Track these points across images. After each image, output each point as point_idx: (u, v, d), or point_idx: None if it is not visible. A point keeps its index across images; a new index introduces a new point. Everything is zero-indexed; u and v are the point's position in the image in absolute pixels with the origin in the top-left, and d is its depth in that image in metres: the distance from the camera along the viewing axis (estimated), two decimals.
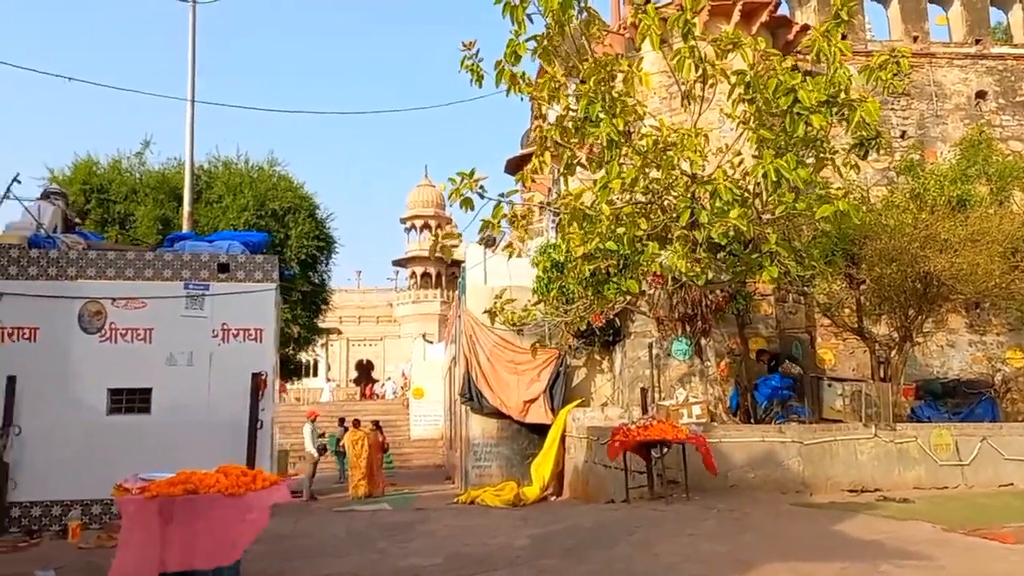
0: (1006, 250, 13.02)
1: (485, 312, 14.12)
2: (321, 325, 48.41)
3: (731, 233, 9.12)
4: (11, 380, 8.02)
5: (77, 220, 9.54)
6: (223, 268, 8.47)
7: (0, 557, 6.92)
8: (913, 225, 13.21)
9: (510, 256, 11.67)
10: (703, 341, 12.53)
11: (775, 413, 13.15)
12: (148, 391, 8.12)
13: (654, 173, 10.35)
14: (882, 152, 12.22)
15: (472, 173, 9.93)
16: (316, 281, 20.40)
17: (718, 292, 12.34)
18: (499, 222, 9.81)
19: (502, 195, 10.56)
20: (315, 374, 48.76)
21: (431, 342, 37.50)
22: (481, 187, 9.98)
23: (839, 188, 9.56)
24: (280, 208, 18.77)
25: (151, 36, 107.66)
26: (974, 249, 12.79)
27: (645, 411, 11.25)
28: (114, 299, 8.11)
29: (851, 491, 10.95)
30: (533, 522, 7.95)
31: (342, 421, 19.93)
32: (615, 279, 11.30)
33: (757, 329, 15.89)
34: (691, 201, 9.77)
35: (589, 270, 10.57)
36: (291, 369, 21.51)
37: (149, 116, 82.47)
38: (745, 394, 13.83)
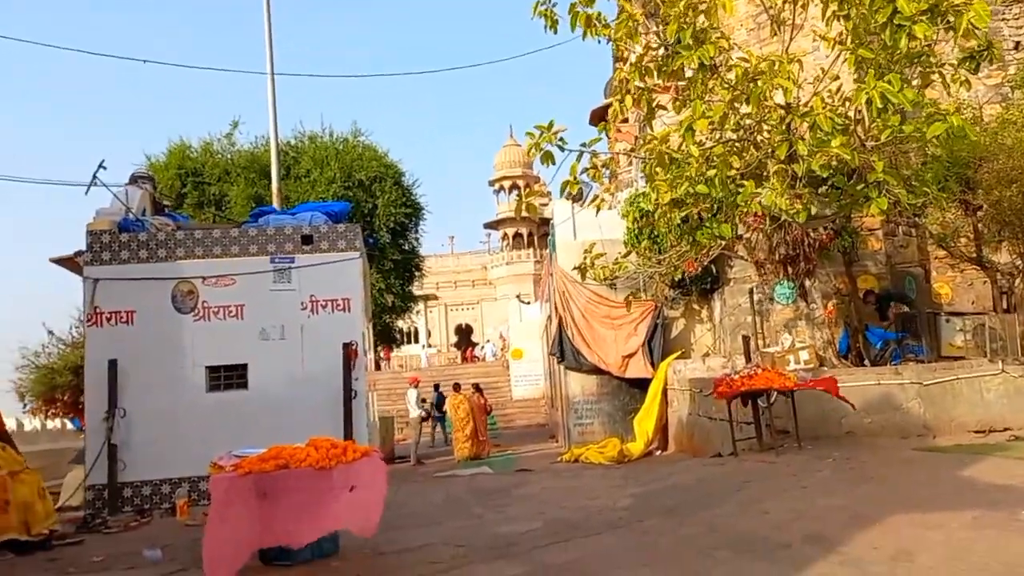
0: None
1: (575, 268, 13.77)
2: (417, 292, 49.30)
3: (834, 164, 8.47)
4: (112, 364, 8.22)
5: (166, 203, 9.68)
6: (307, 240, 8.42)
7: (113, 537, 7.14)
8: None
9: (598, 210, 11.24)
10: (807, 282, 11.87)
11: (891, 353, 12.40)
12: (244, 367, 8.21)
13: (745, 108, 9.74)
14: (995, 65, 11.14)
15: (551, 125, 9.54)
16: (407, 248, 20.46)
17: (821, 229, 11.63)
18: (576, 176, 9.41)
19: (584, 145, 10.14)
20: (416, 340, 49.56)
21: (527, 302, 37.48)
22: (561, 139, 9.58)
23: (950, 105, 8.72)
24: (367, 178, 18.83)
25: (229, 17, 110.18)
26: None
27: (748, 360, 10.75)
28: (204, 278, 8.18)
29: (978, 432, 10.21)
30: (634, 481, 7.67)
31: (437, 387, 20.04)
32: (708, 224, 10.77)
33: (866, 266, 15.01)
34: (787, 134, 9.13)
35: (680, 217, 10.07)
36: (391, 337, 21.72)
37: (237, 98, 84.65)
38: (856, 335, 13.09)
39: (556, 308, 18.53)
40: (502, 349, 39.97)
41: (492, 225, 57.30)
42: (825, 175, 9.33)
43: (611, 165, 10.05)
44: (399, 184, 19.40)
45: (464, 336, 57.48)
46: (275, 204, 14.86)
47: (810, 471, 7.83)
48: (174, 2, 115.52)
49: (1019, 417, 10.39)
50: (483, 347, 48.54)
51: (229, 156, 19.51)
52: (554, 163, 9.64)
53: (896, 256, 15.72)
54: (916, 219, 16.10)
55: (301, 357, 8.15)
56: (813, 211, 9.19)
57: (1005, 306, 13.00)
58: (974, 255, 13.61)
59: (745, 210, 9.11)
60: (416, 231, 20.59)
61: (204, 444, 7.81)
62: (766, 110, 9.65)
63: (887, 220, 15.39)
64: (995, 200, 12.37)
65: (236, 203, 18.01)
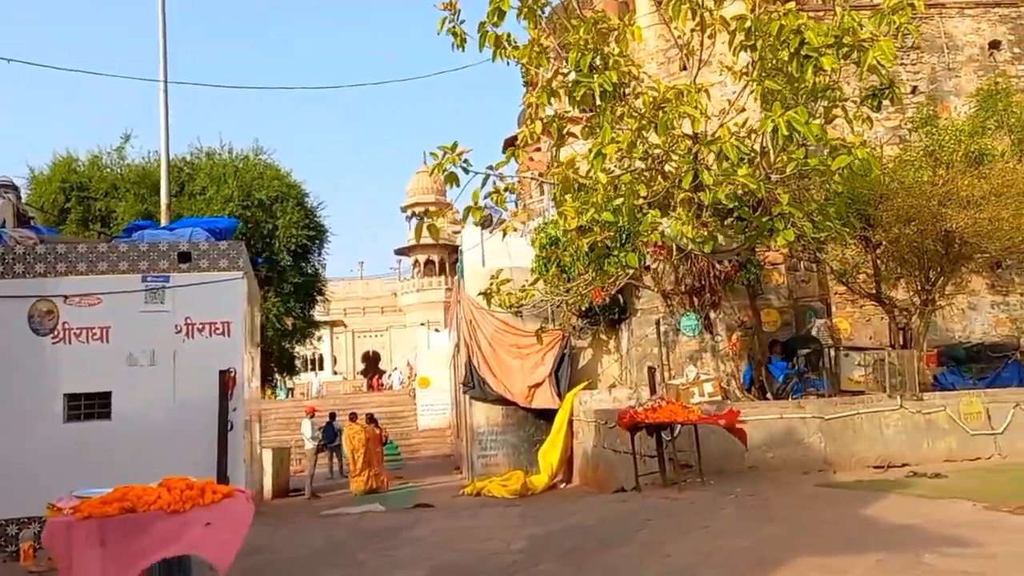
0: None
1: (480, 294, 13.37)
2: (322, 317, 47.87)
3: (740, 193, 8.34)
4: None
5: (31, 215, 8.81)
6: (184, 257, 7.70)
7: None
8: (931, 182, 12.40)
9: (504, 234, 10.89)
10: (712, 314, 11.77)
11: (792, 386, 12.39)
12: (108, 395, 7.38)
13: (653, 137, 9.59)
14: (893, 107, 11.39)
15: (455, 146, 9.17)
16: (309, 272, 19.68)
17: (726, 261, 11.57)
18: (478, 201, 9.04)
19: (490, 167, 9.80)
20: (320, 367, 48.16)
21: (437, 330, 36.87)
22: (466, 161, 9.22)
23: (855, 138, 8.74)
24: (267, 198, 18.05)
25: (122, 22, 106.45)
26: (998, 204, 11.98)
27: (653, 391, 10.52)
28: (66, 296, 7.38)
29: (877, 467, 10.21)
30: (534, 519, 7.25)
31: (332, 417, 19.20)
32: (615, 253, 10.55)
33: (769, 300, 15.13)
34: (694, 163, 8.99)
35: (587, 244, 9.80)
36: (290, 364, 20.79)
37: (131, 111, 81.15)
38: (759, 368, 13.07)
39: (464, 337, 18.08)
40: (409, 377, 39.14)
41: (403, 251, 56.50)
42: (731, 205, 9.22)
43: (517, 190, 9.71)
44: (302, 205, 18.65)
45: (371, 363, 56.30)
46: (163, 222, 13.98)
47: (714, 509, 7.56)
48: (68, 5, 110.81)
49: (916, 452, 10.46)
50: (391, 375, 47.54)
51: (119, 171, 18.42)
52: (458, 185, 9.27)
53: (798, 290, 15.92)
54: (817, 255, 16.37)
55: (173, 385, 7.41)
56: (720, 240, 9.06)
57: (902, 342, 13.21)
58: (873, 291, 13.82)
59: (647, 240, 8.89)
60: (320, 254, 19.87)
61: (59, 481, 6.99)
62: (674, 139, 9.52)
63: (789, 255, 15.57)
64: (894, 237, 12.57)
65: (124, 220, 16.91)
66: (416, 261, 55.20)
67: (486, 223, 15.69)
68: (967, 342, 16.77)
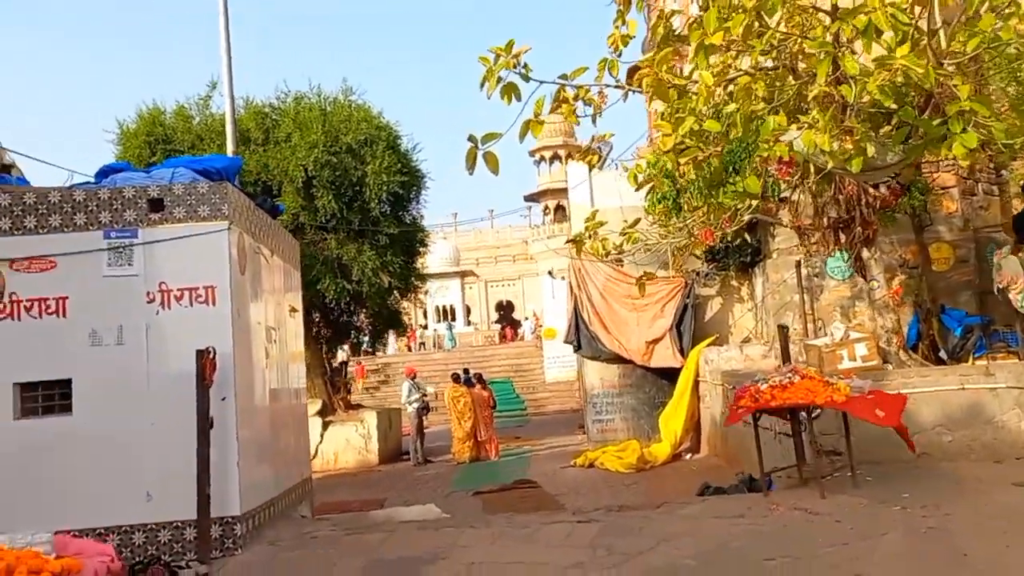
0: None
1: (568, 241, 11.28)
2: (452, 268, 47.01)
3: (900, 85, 5.84)
4: None
5: (10, 162, 7.46)
6: (155, 205, 6.01)
7: None
8: None
9: (591, 167, 8.72)
10: (866, 253, 9.17)
11: (974, 343, 9.67)
12: (67, 383, 5.91)
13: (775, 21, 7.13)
14: None
15: (510, 46, 7.04)
16: (407, 221, 18.12)
17: (881, 184, 8.90)
18: (538, 116, 6.89)
19: (563, 76, 7.62)
20: (454, 318, 47.46)
21: (563, 278, 34.99)
22: (525, 65, 7.08)
23: None
24: (355, 142, 16.50)
25: None
26: None
27: (786, 357, 8.17)
28: (12, 260, 5.90)
29: None
30: (612, 548, 5.28)
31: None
32: (731, 179, 8.19)
33: (938, 232, 12.22)
34: (833, 45, 6.50)
35: (691, 167, 7.50)
36: (391, 321, 19.48)
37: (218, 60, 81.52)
38: (928, 320, 10.35)
39: (572, 288, 16.10)
40: (536, 328, 37.61)
41: (533, 197, 54.62)
42: (887, 104, 6.66)
43: (597, 103, 7.52)
44: (394, 148, 16.98)
45: (505, 313, 55.24)
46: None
47: (871, 534, 5.30)
48: None
49: None
50: (524, 326, 46.29)
51: (205, 121, 17.37)
52: (519, 98, 7.14)
53: (976, 219, 12.86)
54: (1001, 172, 13.23)
55: (146, 369, 5.87)
56: (871, 153, 6.54)
57: None
58: None
59: (769, 154, 6.51)
60: (418, 201, 18.22)
61: (8, 495, 5.65)
62: (803, 13, 7.05)
63: (967, 175, 12.57)
64: None
65: None
66: (546, 207, 53.22)
67: (589, 157, 13.56)
68: None
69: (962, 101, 6.36)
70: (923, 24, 6.64)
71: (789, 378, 6.59)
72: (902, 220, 10.71)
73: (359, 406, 18.96)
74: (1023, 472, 7.02)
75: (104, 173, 6.49)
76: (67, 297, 5.88)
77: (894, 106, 6.88)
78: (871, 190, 8.74)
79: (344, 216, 16.21)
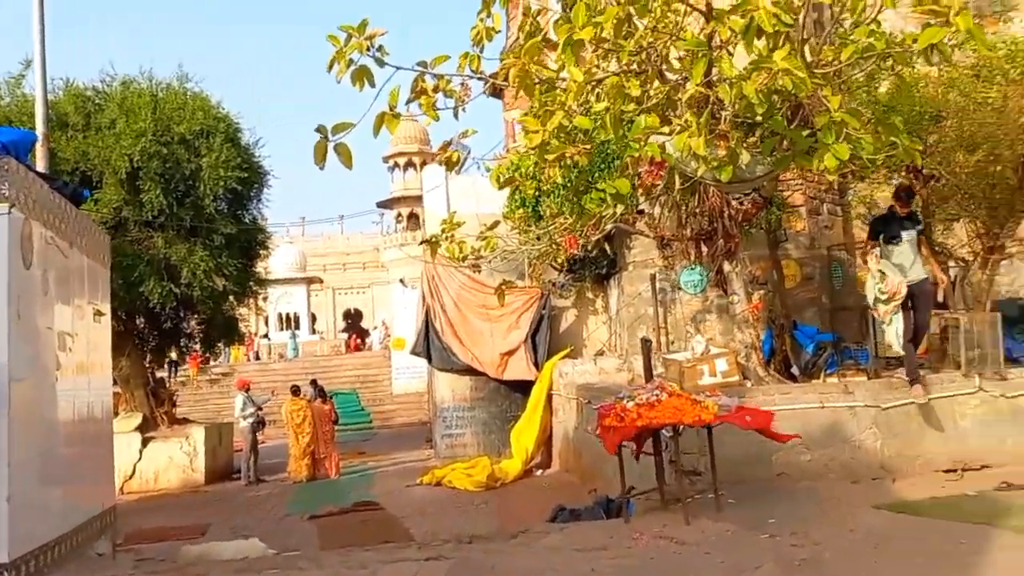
0: None
1: (422, 243, 10.58)
2: (297, 274, 44.93)
3: (779, 84, 5.52)
4: None
5: None
6: None
7: None
8: (1002, 97, 9.60)
9: (451, 167, 8.03)
10: (727, 267, 8.98)
11: (826, 359, 9.72)
12: None
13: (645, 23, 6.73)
14: None
15: (363, 26, 6.26)
16: (247, 220, 16.81)
17: (745, 197, 8.73)
18: (393, 108, 6.15)
19: (421, 63, 6.90)
20: (297, 327, 45.38)
21: (414, 287, 34.08)
22: (379, 48, 6.31)
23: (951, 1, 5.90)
24: (189, 132, 15.10)
25: None
26: None
27: (649, 373, 7.81)
28: None
29: (949, 471, 7.56)
30: None
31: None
32: (598, 183, 7.74)
33: (787, 250, 12.41)
34: (708, 47, 6.14)
35: (557, 168, 6.96)
36: (226, 329, 17.99)
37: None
38: (782, 336, 10.37)
39: (423, 296, 15.38)
40: (386, 337, 36.54)
41: (386, 204, 53.43)
42: (759, 111, 6.38)
43: (459, 96, 6.86)
44: (234, 142, 15.65)
45: (353, 322, 53.66)
46: (39, 161, 11.14)
47: (744, 567, 4.89)
48: None
49: (999, 451, 7.78)
50: (373, 335, 44.93)
51: (16, 102, 15.42)
52: (372, 85, 6.36)
53: (821, 239, 13.21)
54: (843, 195, 13.67)
55: None
56: (744, 161, 6.24)
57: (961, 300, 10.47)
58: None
59: (639, 154, 6.07)
60: (258, 200, 16.92)
61: None
62: (674, 21, 6.67)
63: (811, 196, 12.88)
64: (954, 168, 9.80)
65: None
66: (399, 214, 52.16)
67: (450, 163, 12.89)
68: (1019, 298, 14.08)
69: (833, 112, 6.16)
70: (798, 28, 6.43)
71: (656, 395, 6.16)
72: (757, 235, 10.70)
73: (186, 420, 17.38)
74: (881, 493, 6.93)
75: None
76: None
77: (762, 115, 6.63)
78: (734, 202, 8.56)
79: (174, 212, 14.75)
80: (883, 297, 7.45)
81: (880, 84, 9.06)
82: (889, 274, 7.49)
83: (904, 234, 7.78)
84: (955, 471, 7.55)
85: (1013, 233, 10.75)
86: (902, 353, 8.01)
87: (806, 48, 6.55)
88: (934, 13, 5.76)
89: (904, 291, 7.46)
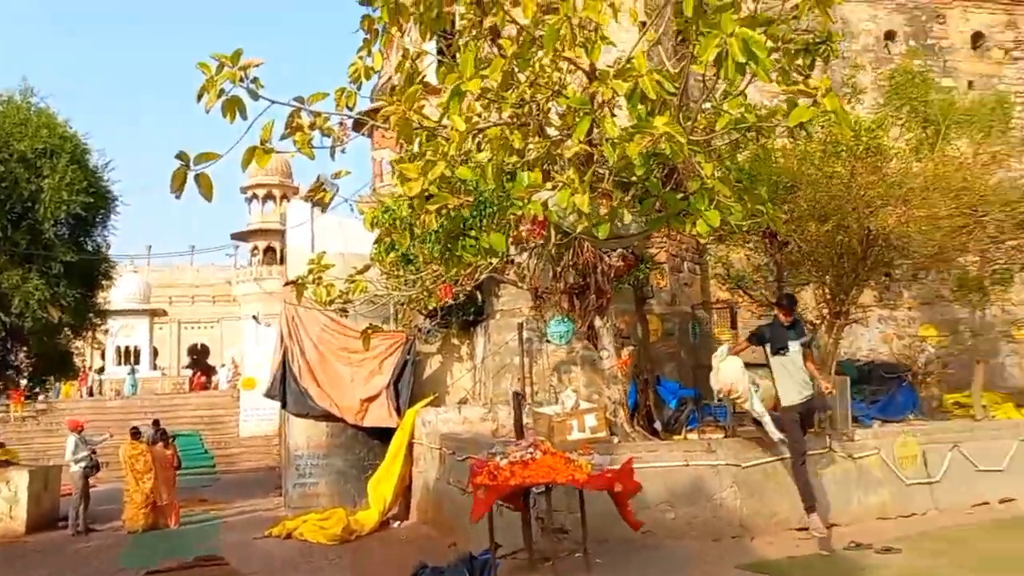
0: (965, 202, 10.28)
1: (287, 284, 10.14)
2: (139, 305, 42.30)
3: (662, 147, 5.62)
4: None
5: None
6: None
7: None
8: (849, 173, 10.33)
9: (322, 206, 7.73)
10: (598, 322, 9.06)
11: (687, 415, 9.95)
12: None
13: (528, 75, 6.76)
14: (830, 61, 9.03)
15: (237, 56, 5.94)
16: (89, 248, 15.66)
17: (613, 254, 8.87)
18: (265, 144, 5.84)
19: (298, 98, 6.63)
20: (137, 362, 42.58)
21: (268, 325, 32.76)
22: (254, 80, 5.99)
23: (820, 83, 6.24)
24: (31, 151, 13.98)
25: None
26: (927, 201, 10.06)
27: (520, 430, 7.69)
28: None
29: (801, 529, 7.83)
30: None
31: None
32: (474, 234, 7.64)
33: (650, 305, 12.73)
34: (591, 106, 6.21)
35: (434, 216, 6.81)
36: (61, 363, 16.61)
37: None
38: (646, 391, 10.55)
39: (282, 336, 14.72)
40: (234, 376, 34.87)
41: (241, 236, 51.48)
42: (639, 172, 6.50)
43: (336, 136, 6.64)
44: (80, 164, 14.59)
45: (200, 358, 51.04)
46: None
47: None
48: None
49: (847, 509, 8.17)
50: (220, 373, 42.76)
51: None
52: (244, 117, 6.01)
53: (681, 296, 13.65)
54: (702, 255, 14.25)
55: None
56: (626, 220, 6.31)
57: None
58: (774, 299, 11.62)
59: (521, 212, 6.02)
60: (104, 227, 15.81)
61: None
62: (556, 76, 6.74)
63: (673, 253, 13.32)
64: (807, 236, 10.41)
65: None
66: (255, 248, 50.35)
67: (318, 200, 12.50)
68: (856, 360, 15.06)
69: (705, 178, 6.34)
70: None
71: (531, 454, 6.04)
72: (625, 290, 10.90)
73: (7, 463, 15.81)
74: (741, 552, 7.07)
75: None
76: None
77: (638, 176, 6.76)
78: (607, 258, 8.68)
79: (8, 236, 13.54)
80: (720, 396, 7.73)
81: (741, 153, 9.50)
82: (724, 373, 7.73)
83: (791, 345, 7.76)
84: (806, 529, 7.81)
85: (856, 299, 11.50)
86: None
87: (680, 115, 6.76)
88: (803, 93, 6.05)
89: (739, 389, 7.65)
